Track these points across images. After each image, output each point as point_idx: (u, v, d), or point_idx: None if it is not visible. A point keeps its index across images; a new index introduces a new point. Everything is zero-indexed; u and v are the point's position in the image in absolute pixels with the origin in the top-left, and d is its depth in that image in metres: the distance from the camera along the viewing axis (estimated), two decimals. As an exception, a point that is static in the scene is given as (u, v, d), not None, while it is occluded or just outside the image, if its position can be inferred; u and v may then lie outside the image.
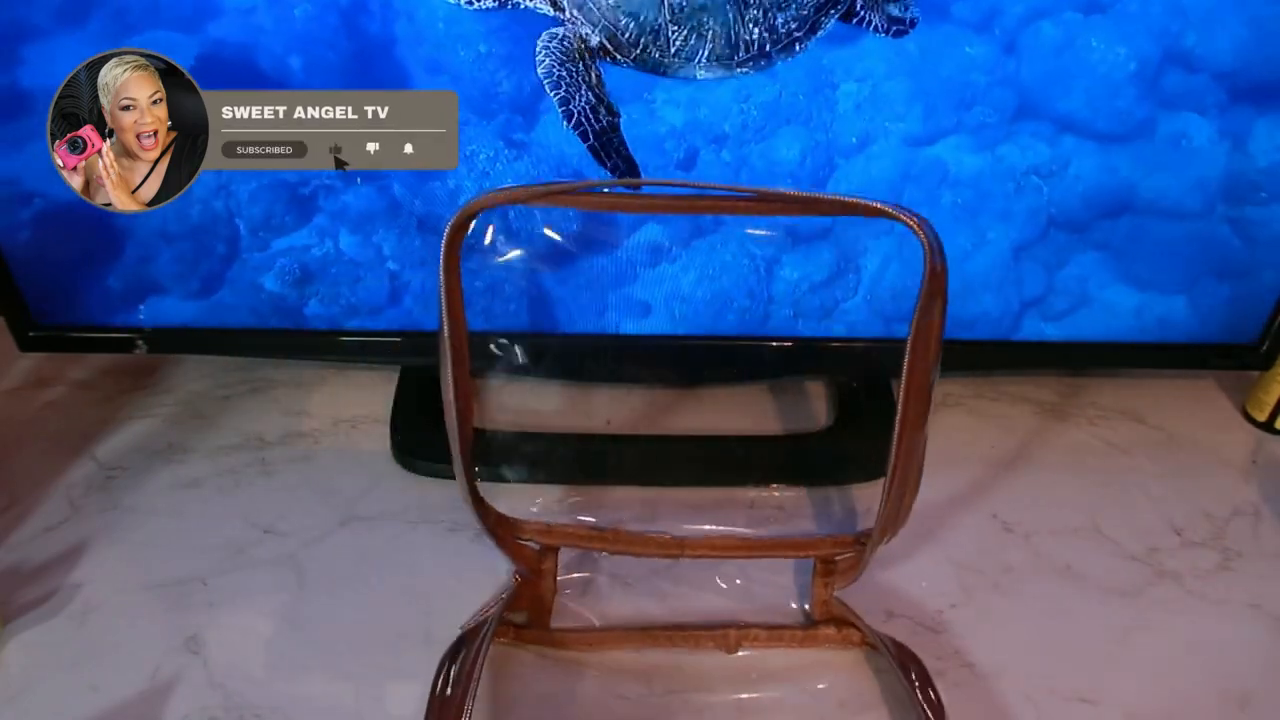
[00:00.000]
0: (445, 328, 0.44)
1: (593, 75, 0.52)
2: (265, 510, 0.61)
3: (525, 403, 0.69)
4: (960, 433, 0.66)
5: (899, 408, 0.42)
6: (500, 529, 0.53)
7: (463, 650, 0.50)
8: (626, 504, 0.61)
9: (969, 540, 0.59)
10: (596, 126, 0.53)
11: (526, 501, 0.61)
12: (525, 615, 0.54)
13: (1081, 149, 0.53)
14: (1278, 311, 0.60)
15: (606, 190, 0.43)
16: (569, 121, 0.53)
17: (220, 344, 0.63)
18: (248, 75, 0.52)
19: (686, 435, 0.66)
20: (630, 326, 0.61)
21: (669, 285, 0.59)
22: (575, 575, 0.56)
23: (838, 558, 0.53)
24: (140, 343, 0.63)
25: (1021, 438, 0.66)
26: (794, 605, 0.55)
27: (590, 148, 0.54)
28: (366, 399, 0.69)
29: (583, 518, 0.53)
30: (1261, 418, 0.67)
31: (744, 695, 0.51)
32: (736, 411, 0.69)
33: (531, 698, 0.51)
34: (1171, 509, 0.61)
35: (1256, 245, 0.56)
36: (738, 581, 0.56)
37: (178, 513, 0.61)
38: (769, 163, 0.54)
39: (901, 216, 0.38)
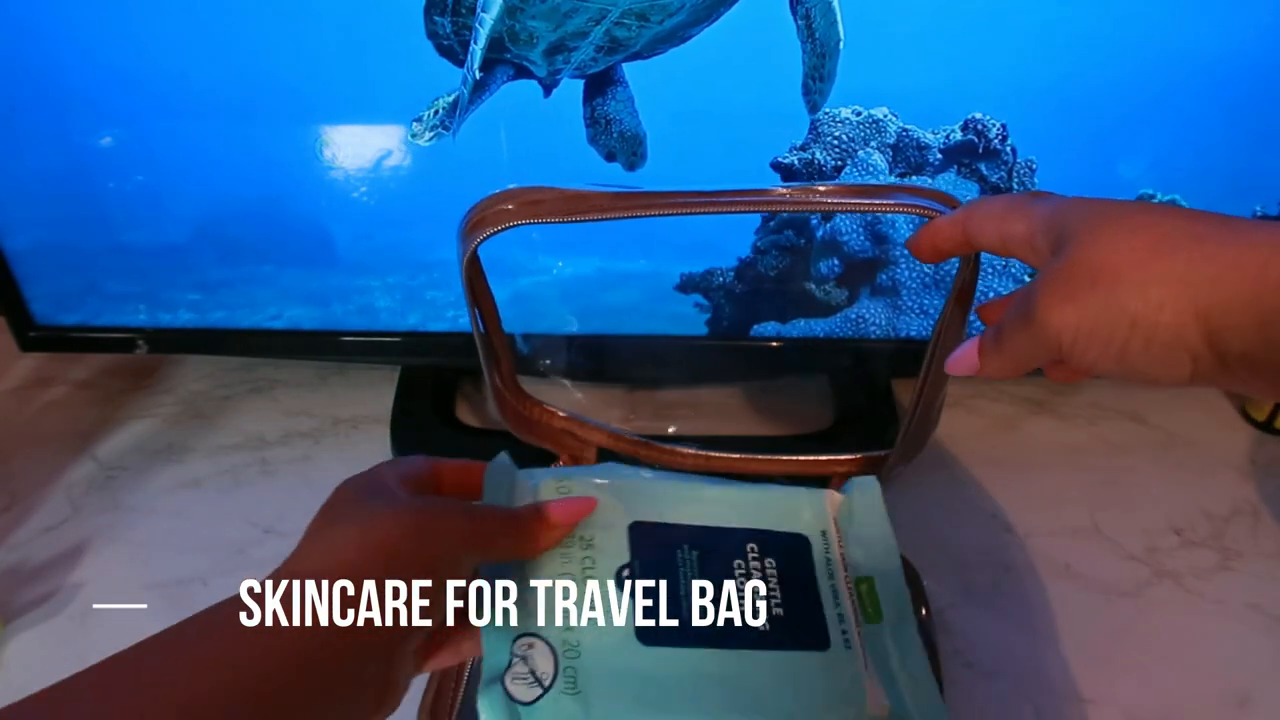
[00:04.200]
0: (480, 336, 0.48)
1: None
2: (265, 510, 0.61)
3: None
4: (960, 433, 0.66)
5: (930, 347, 0.46)
6: (541, 420, 0.57)
7: None
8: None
9: (969, 540, 0.59)
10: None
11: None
12: None
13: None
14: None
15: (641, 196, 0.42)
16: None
17: (220, 344, 0.63)
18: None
19: (687, 435, 0.66)
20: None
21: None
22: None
23: (855, 475, 0.55)
24: (140, 343, 0.63)
25: (1021, 438, 0.66)
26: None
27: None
28: (366, 399, 0.69)
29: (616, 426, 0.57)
30: (1261, 418, 0.67)
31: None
32: (736, 412, 0.69)
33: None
34: (1171, 509, 0.61)
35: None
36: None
37: (178, 513, 0.61)
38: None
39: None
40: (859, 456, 0.57)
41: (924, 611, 0.52)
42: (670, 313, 0.61)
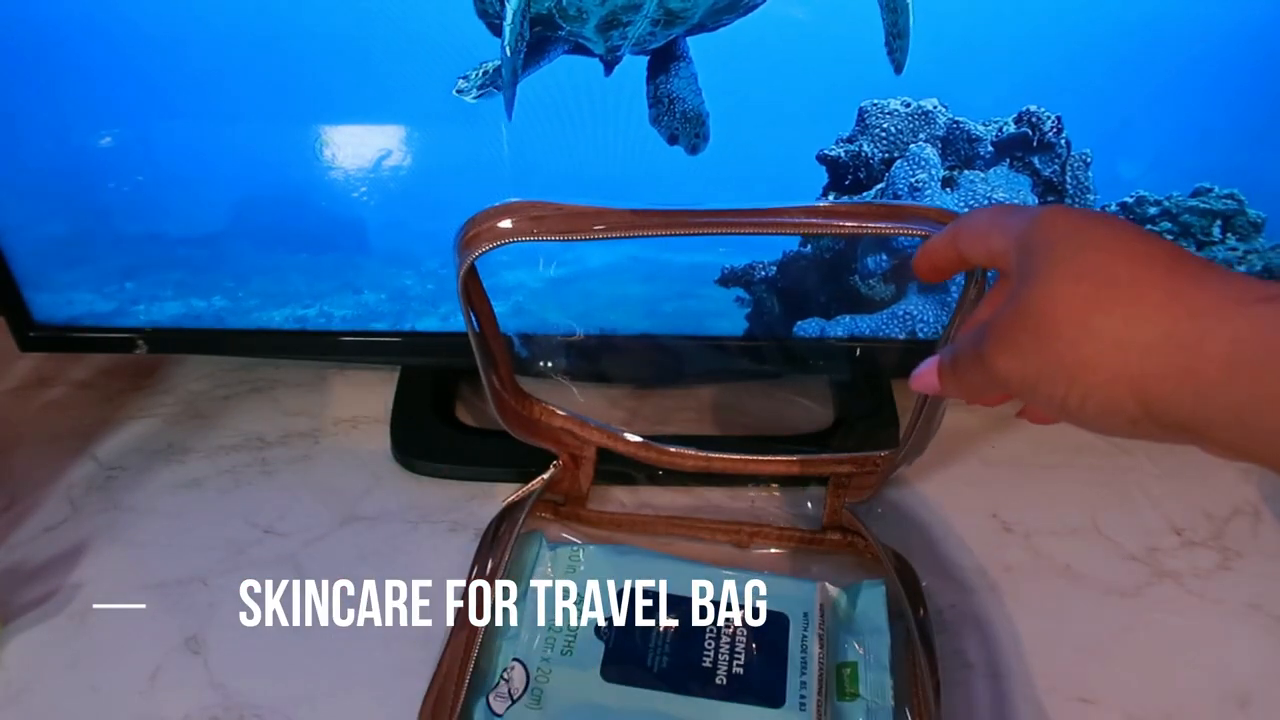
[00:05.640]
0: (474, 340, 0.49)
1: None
2: (265, 510, 0.61)
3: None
4: (960, 432, 0.66)
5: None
6: (541, 419, 0.58)
7: (506, 519, 0.57)
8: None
9: (969, 540, 0.59)
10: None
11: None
12: (563, 497, 0.60)
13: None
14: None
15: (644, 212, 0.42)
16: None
17: (220, 344, 0.63)
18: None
19: (685, 436, 0.66)
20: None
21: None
22: (612, 466, 0.61)
23: (855, 475, 0.58)
24: (140, 343, 0.63)
25: (1022, 438, 0.66)
26: (810, 510, 0.60)
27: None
28: (366, 399, 0.69)
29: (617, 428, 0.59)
30: (1261, 418, 0.67)
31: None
32: (736, 412, 0.69)
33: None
34: (1171, 509, 0.61)
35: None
36: (760, 487, 0.62)
37: (178, 513, 0.61)
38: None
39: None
40: (859, 456, 0.57)
41: (923, 611, 0.52)
42: (702, 310, 0.60)
